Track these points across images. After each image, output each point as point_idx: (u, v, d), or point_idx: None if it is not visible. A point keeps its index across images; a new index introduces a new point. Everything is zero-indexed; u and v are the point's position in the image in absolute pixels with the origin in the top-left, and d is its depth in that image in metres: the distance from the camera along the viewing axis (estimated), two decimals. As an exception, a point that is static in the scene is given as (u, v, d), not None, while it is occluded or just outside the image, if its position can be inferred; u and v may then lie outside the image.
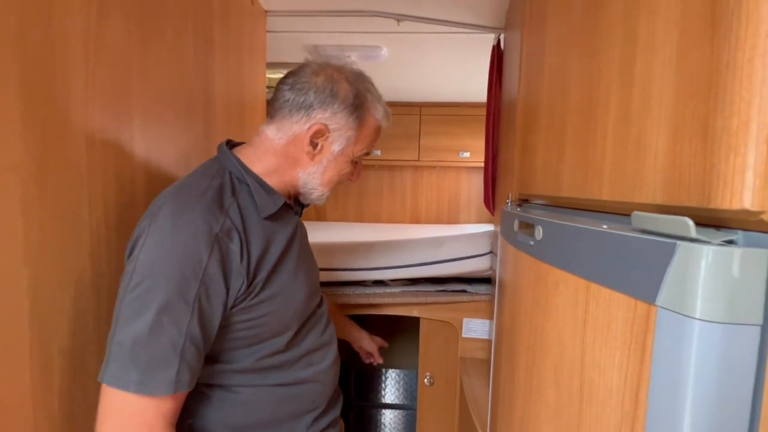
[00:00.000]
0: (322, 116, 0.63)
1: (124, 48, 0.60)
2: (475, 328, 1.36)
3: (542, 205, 0.62)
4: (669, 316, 0.26)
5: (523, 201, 0.74)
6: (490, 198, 1.29)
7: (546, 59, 0.61)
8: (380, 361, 1.14)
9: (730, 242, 0.26)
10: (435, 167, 2.71)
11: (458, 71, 1.83)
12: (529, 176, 0.69)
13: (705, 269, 0.24)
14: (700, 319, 0.25)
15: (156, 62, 0.69)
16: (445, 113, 2.46)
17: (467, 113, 2.44)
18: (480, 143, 2.38)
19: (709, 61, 0.27)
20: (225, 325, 0.57)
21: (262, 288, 0.59)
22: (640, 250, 0.29)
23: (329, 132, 0.64)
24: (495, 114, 1.23)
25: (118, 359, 0.49)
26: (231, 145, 0.68)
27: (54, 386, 0.50)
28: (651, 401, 0.28)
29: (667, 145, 0.31)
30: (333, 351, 0.75)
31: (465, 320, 1.35)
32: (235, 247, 0.56)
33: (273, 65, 1.73)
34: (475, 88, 2.00)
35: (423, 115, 2.49)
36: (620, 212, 0.38)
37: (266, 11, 1.23)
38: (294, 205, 0.72)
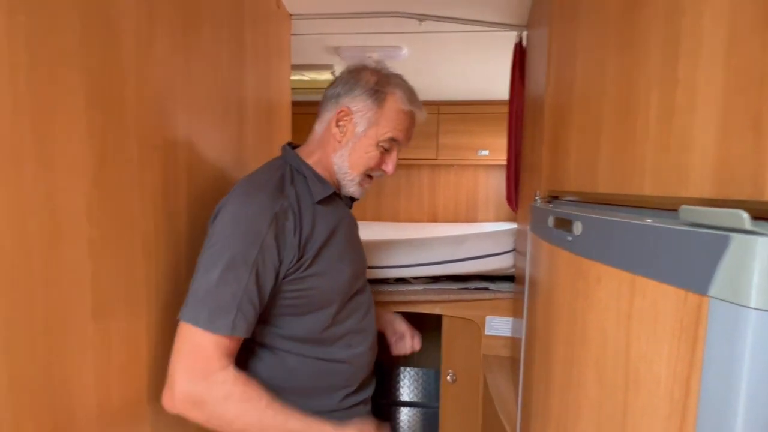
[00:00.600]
0: (344, 101, 0.73)
1: (170, 54, 0.63)
2: (498, 326, 1.36)
3: (575, 201, 0.62)
4: (722, 307, 0.27)
5: (553, 198, 0.74)
6: (513, 195, 1.29)
7: (578, 56, 0.61)
8: (416, 347, 1.04)
9: (785, 234, 0.26)
10: (453, 165, 2.71)
11: (478, 69, 1.83)
12: (559, 173, 0.69)
13: (760, 260, 0.25)
14: (755, 308, 0.25)
15: (197, 67, 0.72)
16: (464, 111, 2.46)
17: (486, 111, 2.43)
18: (499, 141, 2.36)
19: (761, 55, 0.27)
20: (277, 292, 0.68)
21: (311, 263, 0.69)
22: (691, 242, 0.30)
23: (352, 114, 0.73)
24: (518, 112, 1.23)
25: (193, 302, 0.61)
26: (292, 146, 0.80)
27: (112, 374, 0.53)
28: (703, 390, 0.28)
29: (716, 140, 0.31)
30: (369, 338, 0.81)
31: (488, 318, 1.36)
32: (289, 224, 0.66)
33: (297, 67, 1.76)
34: (495, 86, 1.99)
35: (441, 113, 2.49)
36: (663, 207, 0.39)
37: (291, 15, 1.26)
38: (344, 198, 0.81)
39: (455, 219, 2.78)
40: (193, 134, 0.72)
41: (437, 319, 1.40)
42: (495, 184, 2.73)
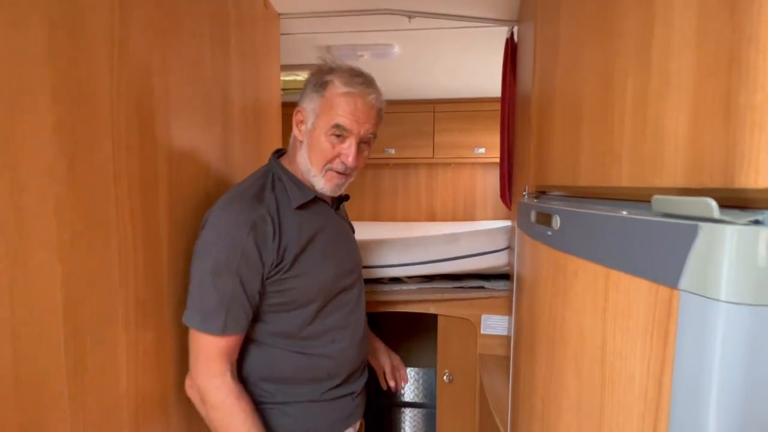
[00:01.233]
0: (301, 102, 0.77)
1: (146, 54, 0.63)
2: (494, 325, 1.34)
3: (560, 196, 0.61)
4: (692, 300, 0.26)
5: (541, 193, 0.73)
6: (507, 192, 1.27)
7: (560, 49, 0.60)
8: (399, 387, 1.05)
9: (756, 222, 0.25)
10: (450, 164, 2.69)
11: (471, 66, 1.81)
12: (545, 168, 0.68)
13: (729, 250, 0.24)
14: (725, 302, 0.24)
15: (176, 68, 0.71)
16: (459, 109, 2.45)
17: (482, 108, 2.41)
18: (496, 138, 2.35)
19: (730, 37, 0.26)
20: (263, 292, 0.72)
21: (291, 266, 0.72)
22: (661, 233, 0.29)
23: (303, 112, 0.76)
24: (510, 107, 1.21)
25: (189, 307, 0.69)
26: (280, 153, 0.83)
27: (87, 376, 0.52)
28: (675, 387, 0.27)
29: (688, 125, 0.30)
30: (355, 334, 0.84)
31: (483, 317, 1.34)
32: (269, 229, 0.70)
33: (287, 67, 1.75)
34: (489, 82, 1.98)
35: (437, 112, 2.48)
36: (640, 198, 0.37)
37: (279, 14, 1.25)
38: (329, 199, 0.83)
39: (453, 218, 2.76)
40: (173, 134, 0.71)
41: (433, 318, 1.39)
42: (492, 182, 2.71)
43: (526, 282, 0.63)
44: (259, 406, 0.75)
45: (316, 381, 0.79)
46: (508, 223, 1.46)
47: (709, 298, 0.25)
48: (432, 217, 2.79)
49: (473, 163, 2.68)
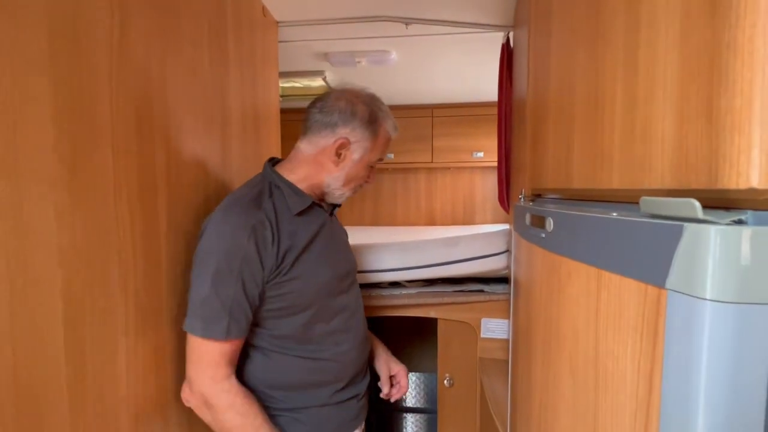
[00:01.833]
0: (344, 131, 0.79)
1: (145, 62, 0.64)
2: (494, 328, 1.34)
3: (554, 198, 0.62)
4: (679, 299, 0.26)
5: (536, 196, 0.73)
6: (505, 196, 1.28)
7: (553, 53, 0.61)
8: (396, 397, 1.01)
9: (739, 222, 0.25)
10: (449, 168, 2.70)
11: (469, 71, 1.83)
12: (541, 171, 0.68)
13: (713, 250, 0.24)
14: (711, 300, 0.24)
15: (175, 75, 0.72)
16: (458, 114, 2.46)
17: (480, 113, 2.43)
18: (493, 142, 2.36)
19: (711, 42, 0.27)
20: (263, 297, 0.73)
21: (290, 269, 0.74)
22: (648, 234, 0.29)
23: (350, 144, 0.80)
24: (506, 111, 1.22)
25: (190, 313, 0.69)
26: (274, 161, 0.85)
27: (87, 384, 0.52)
28: (665, 386, 0.28)
29: (674, 128, 0.30)
30: (356, 337, 0.85)
31: (483, 320, 1.34)
32: (268, 234, 0.72)
33: (285, 74, 1.77)
34: (487, 87, 1.99)
35: (435, 116, 2.49)
36: (630, 200, 0.38)
37: (278, 22, 1.27)
38: (325, 205, 0.86)
39: (453, 222, 2.77)
40: (172, 140, 0.72)
41: (433, 323, 1.39)
42: (491, 186, 2.72)
43: (523, 284, 0.63)
44: (270, 413, 0.76)
45: (322, 385, 0.80)
46: (506, 226, 1.46)
47: (695, 296, 0.25)
48: (431, 222, 2.79)
49: (472, 167, 2.69)
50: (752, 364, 0.24)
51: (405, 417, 2.21)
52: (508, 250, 1.31)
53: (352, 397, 0.84)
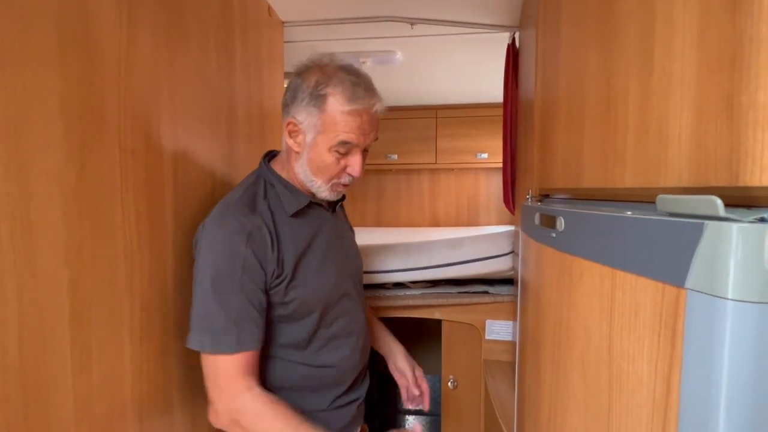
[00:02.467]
0: (292, 110, 0.71)
1: (152, 62, 0.64)
2: (498, 330, 1.33)
3: (563, 198, 0.61)
4: (699, 299, 0.26)
5: (544, 196, 0.73)
6: (510, 197, 1.27)
7: (562, 53, 0.61)
8: (426, 407, 0.93)
9: (762, 220, 0.25)
10: (453, 169, 2.69)
11: (473, 72, 1.83)
12: (548, 171, 0.68)
13: (735, 248, 0.24)
14: (732, 300, 0.24)
15: (182, 75, 0.72)
16: (462, 115, 2.46)
17: (484, 114, 2.42)
18: (498, 143, 2.35)
19: (731, 37, 0.26)
20: (268, 303, 0.69)
21: (292, 276, 0.70)
22: (667, 233, 0.28)
23: (298, 124, 0.70)
24: (512, 112, 1.22)
25: (196, 329, 0.65)
26: (272, 155, 0.79)
27: (92, 381, 0.52)
28: (684, 388, 0.27)
29: (691, 125, 0.30)
30: (357, 341, 0.82)
31: (488, 322, 1.33)
32: (266, 239, 0.67)
33: (291, 75, 1.77)
34: (492, 88, 1.98)
35: (439, 117, 2.49)
36: (644, 199, 0.37)
37: (283, 22, 1.27)
38: (325, 203, 0.79)
39: (456, 223, 2.76)
40: (179, 140, 0.72)
41: (437, 324, 1.38)
42: (495, 187, 2.71)
43: (531, 285, 0.62)
44: None
45: (323, 390, 0.78)
46: (511, 227, 1.46)
47: (716, 296, 0.25)
48: (435, 223, 2.78)
49: (476, 169, 2.68)
50: (776, 365, 0.24)
51: (407, 419, 2.20)
52: (513, 252, 1.31)
53: (352, 401, 0.82)
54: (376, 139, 0.75)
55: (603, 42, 0.45)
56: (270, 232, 0.68)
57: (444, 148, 2.51)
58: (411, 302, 1.32)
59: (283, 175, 0.75)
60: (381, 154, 2.45)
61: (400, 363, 0.94)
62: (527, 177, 0.91)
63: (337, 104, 0.67)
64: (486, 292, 1.34)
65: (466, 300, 1.32)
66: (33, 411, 0.44)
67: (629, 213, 0.34)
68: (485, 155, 2.48)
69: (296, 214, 0.72)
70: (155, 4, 0.64)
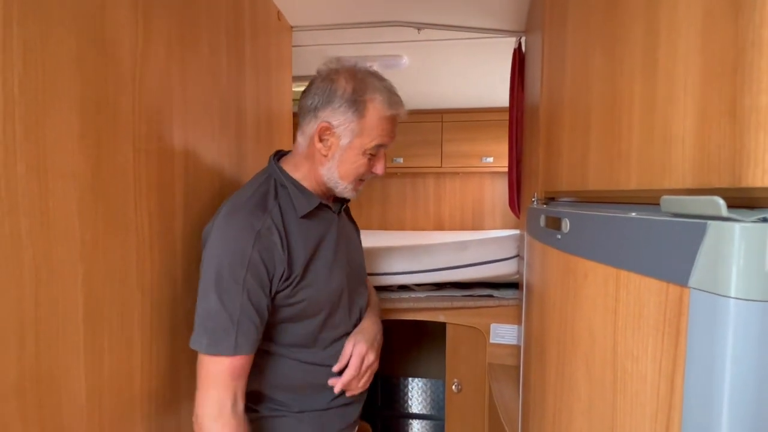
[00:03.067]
0: (324, 114, 0.70)
1: (165, 65, 0.65)
2: (503, 334, 1.33)
3: (569, 201, 0.62)
4: (703, 297, 0.26)
5: (550, 199, 0.73)
6: (515, 201, 1.27)
7: (568, 57, 0.61)
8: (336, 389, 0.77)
9: (764, 220, 0.25)
10: (458, 173, 2.70)
11: (479, 76, 1.84)
12: (554, 174, 0.68)
13: (738, 247, 0.24)
14: (735, 298, 0.24)
15: (193, 77, 0.74)
16: (467, 119, 2.46)
17: (489, 118, 2.43)
18: (503, 148, 2.36)
19: (734, 41, 0.27)
20: (273, 306, 0.69)
21: (301, 277, 0.69)
22: (670, 233, 0.29)
23: (333, 128, 0.70)
24: (518, 116, 1.22)
25: (197, 329, 0.64)
26: (280, 155, 0.78)
27: (104, 374, 0.53)
28: (687, 386, 0.27)
29: (695, 128, 0.30)
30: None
31: (493, 325, 1.33)
32: (276, 240, 0.66)
33: (298, 78, 1.79)
34: (497, 92, 1.99)
35: (445, 121, 2.50)
36: (648, 201, 0.38)
37: (292, 27, 1.29)
38: (332, 205, 0.79)
39: (461, 227, 2.76)
40: (189, 141, 0.73)
41: (441, 328, 1.38)
42: (501, 192, 2.71)
43: (536, 288, 0.63)
44: (274, 415, 0.74)
45: (325, 388, 0.78)
46: (516, 231, 1.46)
47: (719, 294, 0.25)
48: (440, 227, 2.79)
49: (481, 173, 2.68)
50: (778, 363, 0.24)
51: (411, 423, 2.19)
52: (518, 255, 1.31)
53: (349, 403, 0.81)
54: None
55: (608, 46, 0.46)
56: (280, 233, 0.67)
57: (449, 151, 2.52)
58: (415, 305, 1.32)
59: (296, 176, 0.74)
60: (386, 157, 2.46)
61: (350, 336, 0.81)
62: (533, 180, 0.91)
63: (377, 110, 0.70)
64: (491, 296, 1.34)
65: (471, 303, 1.32)
66: (47, 402, 0.45)
67: (633, 214, 0.34)
68: (491, 159, 2.48)
69: (306, 216, 0.72)
70: (169, 10, 0.66)
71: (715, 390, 0.25)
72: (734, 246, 0.24)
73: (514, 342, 1.31)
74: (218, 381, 0.63)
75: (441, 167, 2.55)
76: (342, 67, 0.73)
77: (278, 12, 1.18)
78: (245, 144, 0.98)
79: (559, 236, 0.47)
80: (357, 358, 0.76)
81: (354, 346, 0.77)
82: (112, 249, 0.54)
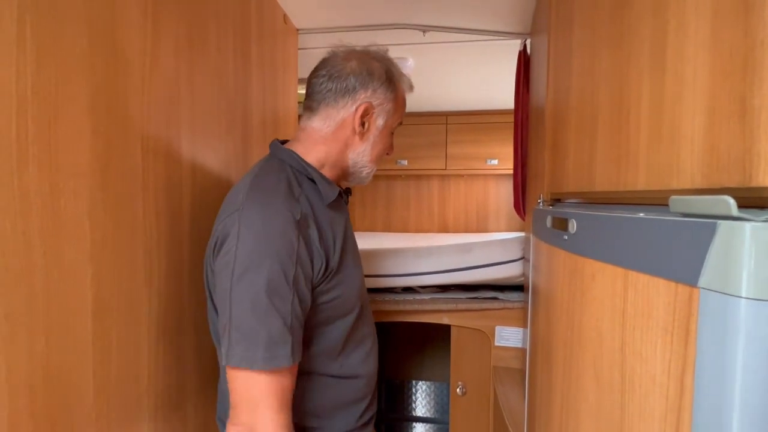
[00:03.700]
0: (365, 96, 0.68)
1: (174, 67, 0.66)
2: (508, 336, 1.32)
3: (575, 203, 0.61)
4: (712, 297, 0.26)
5: (555, 201, 0.73)
6: (520, 203, 1.27)
7: (574, 58, 0.61)
8: None
9: (775, 220, 0.25)
10: (462, 175, 2.69)
11: (484, 79, 1.84)
12: (560, 176, 0.68)
13: (748, 247, 0.24)
14: (746, 298, 0.24)
15: (201, 79, 0.75)
16: (472, 121, 2.46)
17: (494, 120, 2.42)
18: (508, 150, 2.35)
19: (743, 41, 0.27)
20: (313, 306, 0.61)
21: (337, 269, 0.64)
22: (679, 233, 0.29)
23: (374, 108, 0.69)
24: (523, 118, 1.22)
25: (241, 342, 0.53)
26: (282, 143, 0.73)
27: (111, 373, 0.54)
28: (697, 387, 0.27)
29: (704, 127, 0.30)
30: (373, 344, 0.77)
31: (497, 328, 1.33)
32: (312, 231, 0.61)
33: (304, 81, 1.80)
34: (502, 94, 1.99)
35: (449, 123, 2.50)
36: (657, 202, 0.38)
37: (298, 29, 1.30)
38: (343, 195, 0.75)
39: (466, 229, 2.75)
40: (197, 142, 0.74)
41: (446, 330, 1.38)
42: (505, 194, 2.70)
43: (543, 289, 0.62)
44: None
45: (351, 405, 0.71)
46: (521, 234, 1.45)
47: (730, 294, 0.25)
48: (444, 229, 2.78)
49: (486, 175, 2.67)
50: (790, 364, 0.24)
51: (415, 427, 2.18)
52: (523, 258, 1.30)
53: (371, 418, 0.75)
54: None
55: (615, 46, 0.46)
56: (314, 223, 0.61)
57: (454, 154, 2.52)
58: (420, 307, 1.32)
59: (312, 161, 0.68)
60: (391, 159, 2.47)
61: None
62: (538, 182, 0.91)
63: (402, 89, 0.73)
64: (496, 298, 1.34)
65: (476, 306, 1.32)
66: (56, 399, 0.45)
67: (642, 214, 0.34)
68: (495, 161, 2.48)
69: (330, 205, 0.67)
70: (178, 12, 0.67)
71: (726, 391, 0.25)
72: (745, 246, 0.24)
73: (519, 345, 1.31)
74: (281, 400, 0.54)
75: (445, 169, 2.55)
76: (363, 48, 0.72)
77: (284, 15, 1.19)
78: (251, 145, 0.98)
79: (566, 237, 0.47)
80: None
81: None
82: (121, 248, 0.55)
